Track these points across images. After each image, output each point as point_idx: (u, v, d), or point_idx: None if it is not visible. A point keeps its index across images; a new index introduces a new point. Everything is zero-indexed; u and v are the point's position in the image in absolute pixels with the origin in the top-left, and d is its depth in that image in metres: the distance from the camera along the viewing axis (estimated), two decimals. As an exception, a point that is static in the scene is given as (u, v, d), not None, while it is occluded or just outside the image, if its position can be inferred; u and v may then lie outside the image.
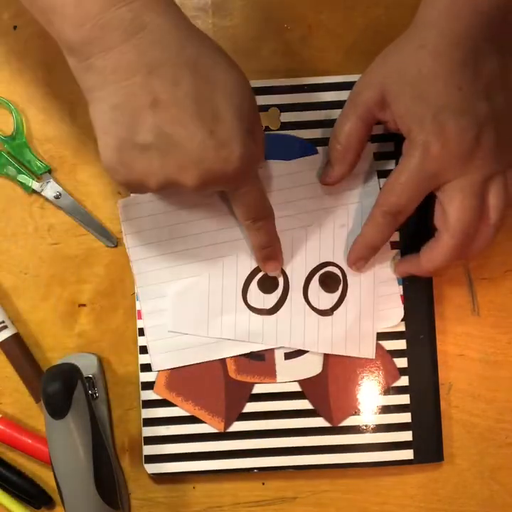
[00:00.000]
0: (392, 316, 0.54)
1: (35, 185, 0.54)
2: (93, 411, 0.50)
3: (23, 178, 0.54)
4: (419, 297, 0.54)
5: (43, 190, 0.54)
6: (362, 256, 0.53)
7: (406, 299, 0.54)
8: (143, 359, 0.54)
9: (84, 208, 0.55)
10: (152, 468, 0.54)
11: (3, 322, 0.54)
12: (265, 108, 0.54)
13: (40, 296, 0.55)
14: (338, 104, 0.52)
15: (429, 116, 0.45)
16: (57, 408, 0.48)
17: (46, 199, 0.55)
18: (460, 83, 0.45)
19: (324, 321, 0.54)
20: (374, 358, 0.54)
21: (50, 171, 0.55)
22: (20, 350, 0.54)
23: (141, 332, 0.54)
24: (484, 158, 0.46)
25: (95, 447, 0.49)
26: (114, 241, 0.55)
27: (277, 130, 0.54)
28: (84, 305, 0.55)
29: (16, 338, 0.54)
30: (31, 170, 0.55)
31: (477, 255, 0.51)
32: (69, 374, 0.49)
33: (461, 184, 0.47)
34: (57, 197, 0.54)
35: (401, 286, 0.54)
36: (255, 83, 0.53)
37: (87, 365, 0.53)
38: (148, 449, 0.54)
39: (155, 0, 0.41)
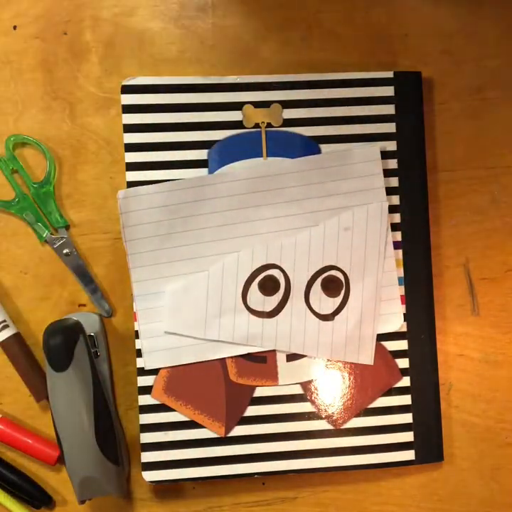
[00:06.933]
0: (392, 321, 0.53)
1: (49, 237, 0.54)
2: (95, 366, 0.50)
3: (39, 227, 0.54)
4: (420, 297, 0.54)
5: (55, 244, 0.54)
6: None
7: (406, 299, 0.54)
8: (140, 362, 0.53)
9: (90, 273, 0.54)
10: (151, 475, 0.52)
11: (4, 321, 0.53)
12: (267, 104, 0.53)
13: (41, 296, 0.55)
14: (342, 102, 0.53)
15: None
16: (58, 360, 0.48)
17: (55, 252, 0.54)
18: None
19: (325, 326, 0.53)
20: (372, 364, 0.53)
21: (67, 228, 0.54)
22: (21, 349, 0.54)
23: (138, 334, 0.52)
24: None
25: (96, 402, 0.49)
26: (109, 312, 0.54)
27: (280, 127, 0.54)
28: (84, 305, 0.55)
29: (17, 337, 0.54)
30: (50, 221, 0.54)
31: None
32: (71, 328, 0.50)
33: None
34: (67, 255, 0.54)
35: (402, 287, 0.54)
36: (257, 78, 0.53)
37: (89, 324, 0.53)
38: (147, 456, 0.52)
39: None
